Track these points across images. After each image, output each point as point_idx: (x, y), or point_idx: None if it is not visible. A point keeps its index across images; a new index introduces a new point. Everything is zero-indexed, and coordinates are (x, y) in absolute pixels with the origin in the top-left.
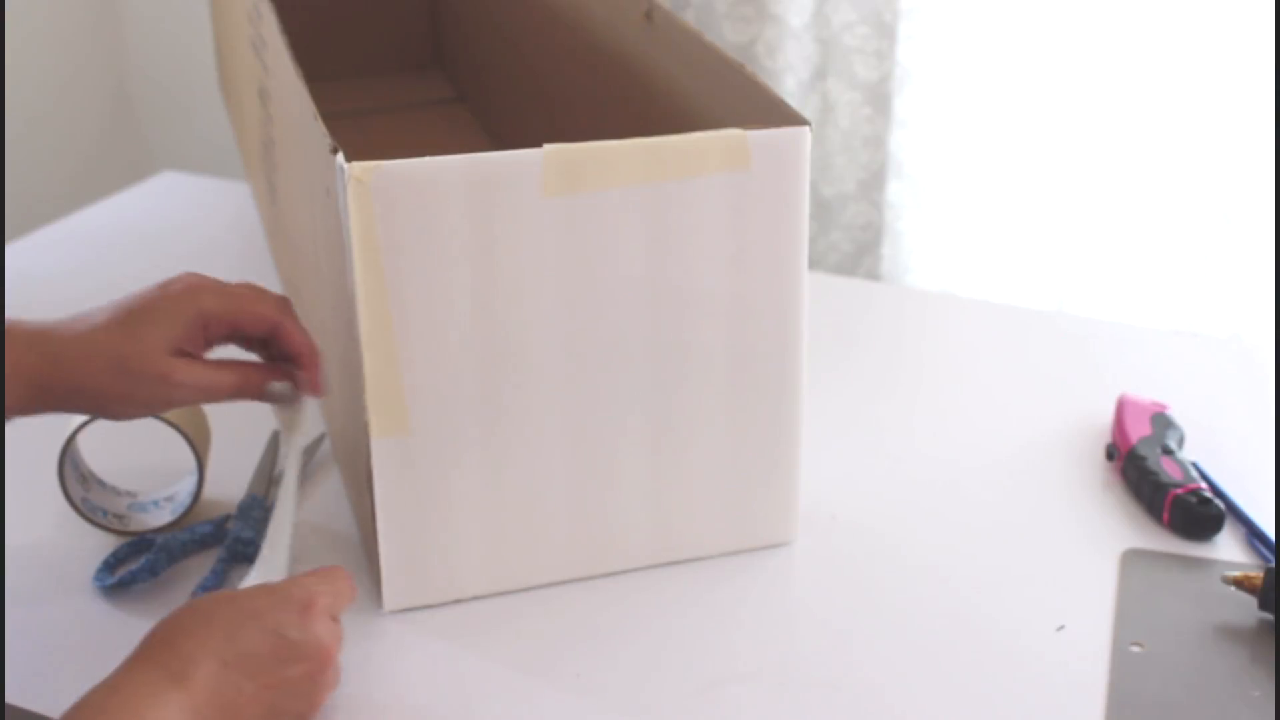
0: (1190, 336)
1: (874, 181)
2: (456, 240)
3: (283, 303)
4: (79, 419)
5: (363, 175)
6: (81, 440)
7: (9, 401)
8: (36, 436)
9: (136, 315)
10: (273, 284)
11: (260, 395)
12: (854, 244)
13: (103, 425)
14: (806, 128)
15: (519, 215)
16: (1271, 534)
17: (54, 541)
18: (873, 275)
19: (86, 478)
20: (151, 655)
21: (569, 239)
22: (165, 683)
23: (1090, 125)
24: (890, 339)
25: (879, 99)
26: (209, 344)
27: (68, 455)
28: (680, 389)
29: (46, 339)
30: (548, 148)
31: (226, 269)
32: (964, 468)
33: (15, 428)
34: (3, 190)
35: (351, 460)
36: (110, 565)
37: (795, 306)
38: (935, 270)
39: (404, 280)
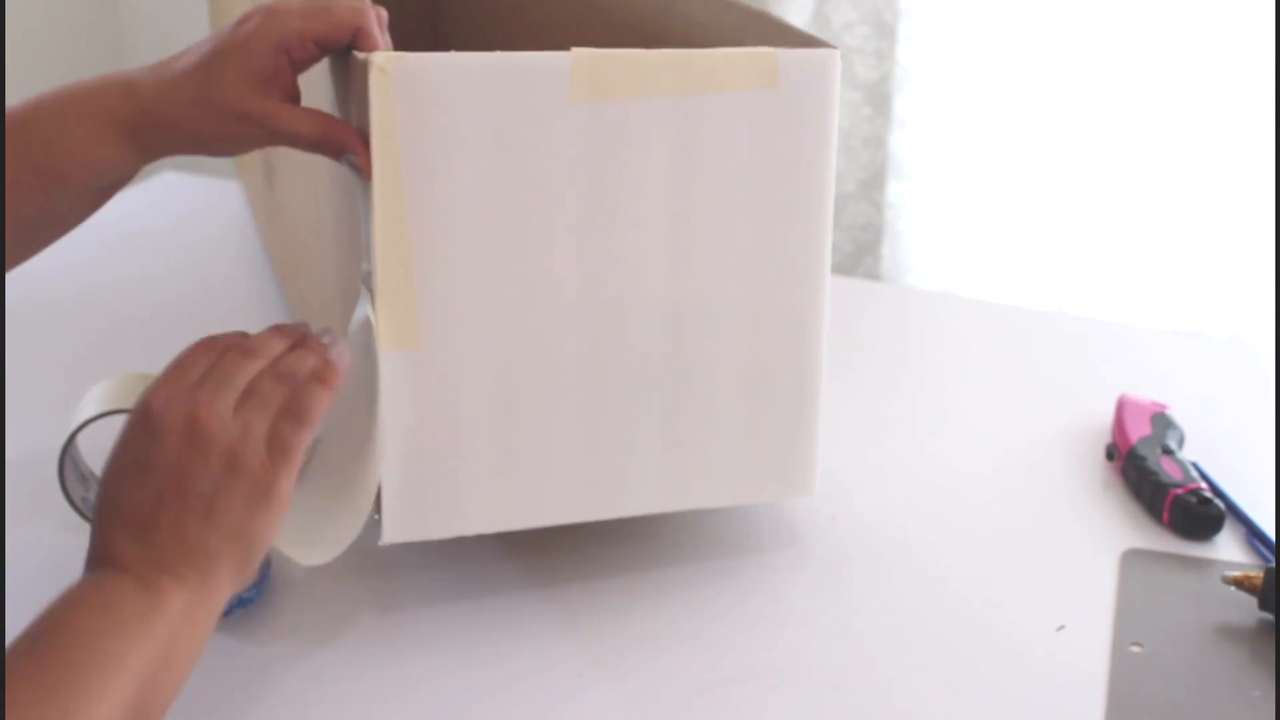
0: (1190, 336)
1: (874, 181)
2: (478, 142)
3: (361, 8)
4: (79, 418)
5: (386, 65)
6: (81, 440)
7: (111, 156)
8: (36, 436)
9: (216, 55)
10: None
11: (338, 157)
12: (854, 244)
13: (103, 425)
14: (837, 51)
15: (542, 121)
16: (1271, 534)
17: (54, 541)
18: (873, 275)
19: (86, 478)
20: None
21: (592, 149)
22: (136, 591)
23: (1090, 125)
24: (890, 339)
25: (879, 99)
26: (299, 66)
27: (68, 455)
28: (699, 315)
29: (133, 90)
30: (576, 51)
31: (226, 269)
32: (964, 468)
33: (15, 429)
34: (3, 190)
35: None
36: None
37: (818, 235)
38: (935, 270)
39: (422, 181)
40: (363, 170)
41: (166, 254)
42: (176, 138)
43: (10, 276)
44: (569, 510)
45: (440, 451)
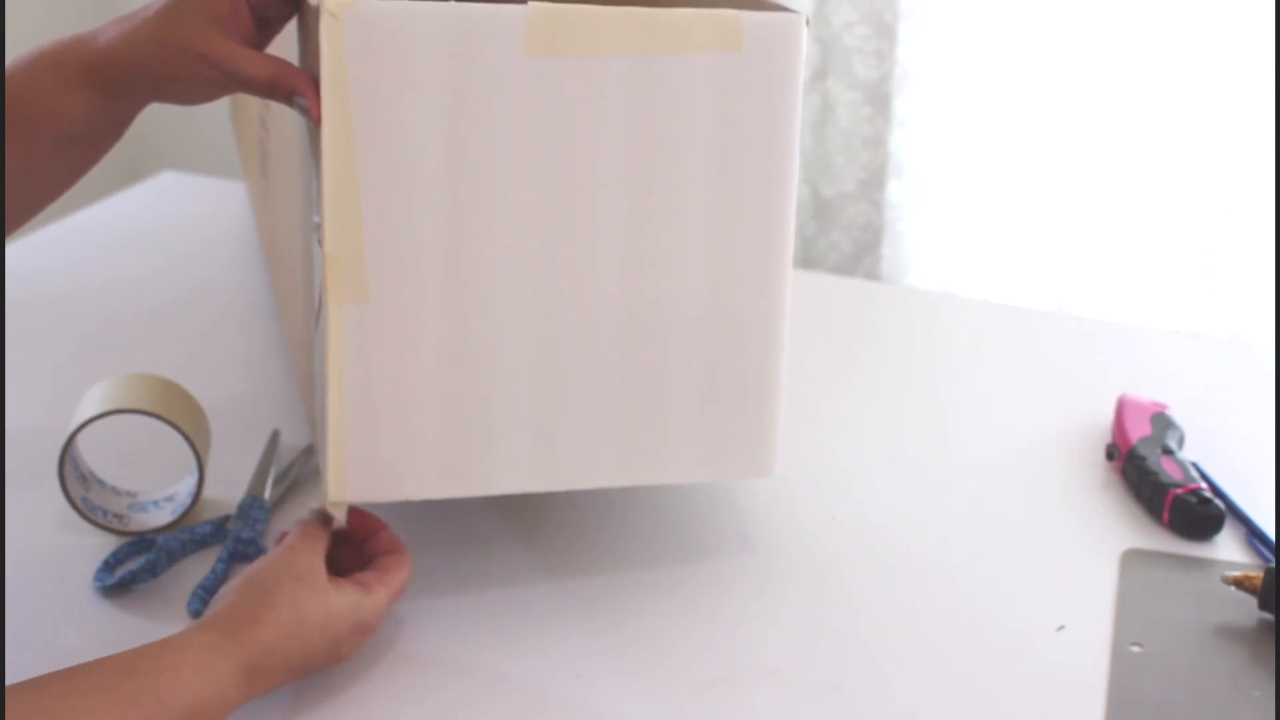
0: (1190, 336)
1: (874, 181)
2: (431, 93)
3: None
4: (79, 418)
5: (337, 10)
6: (81, 440)
7: (77, 102)
8: (36, 436)
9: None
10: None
11: (290, 101)
12: (854, 244)
13: (103, 425)
14: (802, 16)
15: (497, 74)
16: (1271, 534)
17: (54, 541)
18: (873, 275)
19: (86, 478)
20: (219, 624)
21: (548, 105)
22: (233, 669)
23: (1090, 125)
24: (890, 339)
25: (879, 99)
26: (260, 12)
27: (68, 455)
28: (657, 279)
29: (98, 37)
30: (533, 4)
31: (226, 269)
32: (964, 468)
33: (15, 428)
34: (2, 190)
35: (310, 369)
36: (110, 565)
37: (781, 202)
38: (935, 270)
39: (373, 129)
40: (312, 114)
41: (166, 254)
42: (139, 80)
43: (11, 276)
44: (519, 479)
45: (387, 408)
